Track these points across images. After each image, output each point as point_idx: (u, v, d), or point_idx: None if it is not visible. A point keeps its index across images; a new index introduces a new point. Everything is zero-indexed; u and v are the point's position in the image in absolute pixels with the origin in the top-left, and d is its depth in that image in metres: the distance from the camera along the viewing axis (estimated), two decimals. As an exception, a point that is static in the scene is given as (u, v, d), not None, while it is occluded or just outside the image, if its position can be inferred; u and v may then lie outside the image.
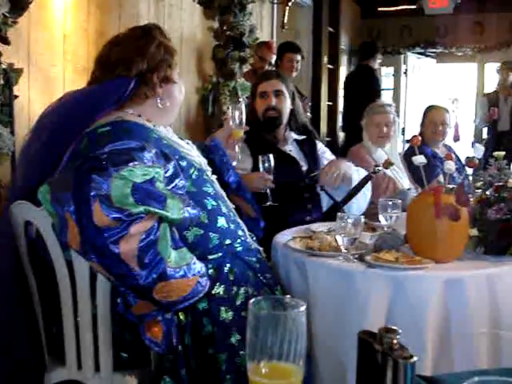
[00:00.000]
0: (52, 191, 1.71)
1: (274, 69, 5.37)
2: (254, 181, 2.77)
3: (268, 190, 2.78)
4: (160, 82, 1.98)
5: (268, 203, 2.78)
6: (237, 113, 2.53)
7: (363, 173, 3.03)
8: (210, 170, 2.13)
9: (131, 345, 1.95)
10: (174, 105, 2.06)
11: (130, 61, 1.94)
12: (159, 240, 1.70)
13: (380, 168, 3.08)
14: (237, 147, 2.55)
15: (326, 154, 3.24)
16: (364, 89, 6.92)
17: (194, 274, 1.80)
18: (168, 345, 1.82)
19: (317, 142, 3.27)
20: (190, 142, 2.16)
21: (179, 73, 2.08)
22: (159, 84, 1.98)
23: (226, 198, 2.12)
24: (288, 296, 0.93)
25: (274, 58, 5.44)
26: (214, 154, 2.28)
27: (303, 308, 0.90)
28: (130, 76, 1.93)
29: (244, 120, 2.54)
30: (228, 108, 5.13)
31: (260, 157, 2.76)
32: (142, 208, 1.65)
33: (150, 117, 1.98)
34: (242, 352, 1.86)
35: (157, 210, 1.69)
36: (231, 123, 2.51)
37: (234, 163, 2.47)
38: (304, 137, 3.21)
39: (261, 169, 2.75)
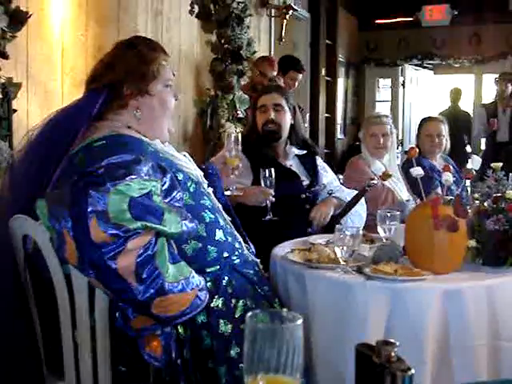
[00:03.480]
0: (49, 206, 1.71)
1: (274, 83, 5.38)
2: (255, 194, 2.77)
3: (268, 204, 2.78)
4: (131, 93, 1.94)
5: (268, 217, 2.78)
6: (232, 143, 2.55)
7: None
8: (207, 182, 2.13)
9: (130, 359, 1.94)
10: (155, 117, 2.00)
11: (100, 73, 1.94)
12: (157, 255, 1.69)
13: (375, 181, 3.11)
14: (233, 176, 2.56)
15: (325, 169, 3.26)
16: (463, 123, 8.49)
17: (193, 288, 1.78)
18: (167, 359, 1.81)
19: (316, 157, 3.29)
20: (186, 154, 2.16)
21: (170, 84, 2.02)
22: (133, 96, 1.94)
23: (223, 211, 2.12)
24: (285, 309, 0.93)
25: (274, 74, 5.45)
26: (208, 177, 2.26)
27: (300, 321, 0.90)
28: (99, 88, 1.92)
29: (240, 150, 2.55)
30: (227, 121, 5.17)
31: (261, 170, 2.76)
32: (139, 224, 1.64)
33: (136, 128, 1.95)
34: (241, 365, 1.85)
35: (154, 226, 1.68)
36: (226, 153, 2.53)
37: (228, 192, 2.47)
38: (305, 151, 3.21)
39: (262, 182, 2.75)
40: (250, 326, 0.90)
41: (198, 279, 1.82)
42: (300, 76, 5.82)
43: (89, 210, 1.62)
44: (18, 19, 3.25)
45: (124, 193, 1.65)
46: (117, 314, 1.81)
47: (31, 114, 3.54)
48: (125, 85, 1.93)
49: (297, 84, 5.83)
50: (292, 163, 3.15)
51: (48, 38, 3.69)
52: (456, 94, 8.90)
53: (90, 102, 1.92)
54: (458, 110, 8.83)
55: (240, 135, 2.59)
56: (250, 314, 0.91)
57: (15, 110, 3.32)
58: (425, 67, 11.02)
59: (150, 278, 1.67)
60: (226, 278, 1.98)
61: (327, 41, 8.65)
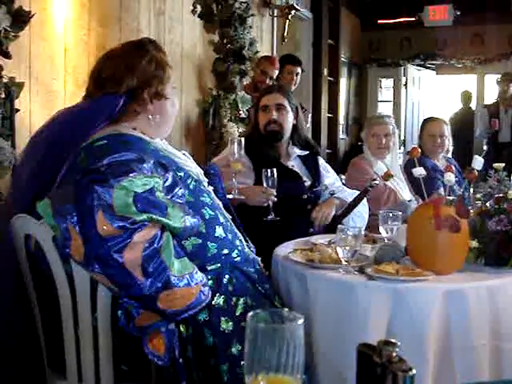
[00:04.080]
0: (53, 205, 1.71)
1: (276, 83, 5.36)
2: (257, 194, 2.77)
3: (270, 204, 2.78)
4: (150, 98, 1.97)
5: (269, 217, 2.78)
6: (236, 147, 2.56)
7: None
8: (207, 180, 2.14)
9: (132, 357, 1.94)
10: (166, 120, 2.05)
11: (119, 77, 1.93)
12: (162, 248, 1.71)
13: (377, 182, 3.10)
14: (234, 179, 2.56)
15: (327, 170, 3.26)
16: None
17: (197, 283, 1.80)
18: (170, 357, 1.82)
19: (318, 157, 3.28)
20: (186, 152, 2.17)
21: (175, 86, 2.07)
22: (150, 100, 1.97)
23: (223, 209, 2.13)
24: (286, 309, 0.93)
25: (276, 73, 5.42)
26: (208, 177, 2.27)
27: (301, 321, 0.90)
28: (119, 92, 1.92)
29: (243, 154, 2.57)
30: (229, 121, 5.17)
31: (263, 171, 2.76)
32: (145, 216, 1.67)
33: (144, 130, 1.99)
34: (243, 362, 1.85)
35: (160, 218, 1.70)
36: (229, 157, 2.55)
37: (230, 196, 2.48)
38: (307, 152, 3.21)
39: (264, 183, 2.75)
40: (251, 326, 0.90)
41: (200, 275, 1.84)
42: (298, 69, 5.71)
43: (95, 204, 1.64)
44: (21, 19, 3.25)
45: (128, 188, 1.68)
46: (119, 313, 1.82)
47: (33, 113, 3.54)
48: (146, 90, 1.96)
49: (296, 78, 5.71)
50: (294, 163, 3.14)
51: (51, 38, 3.70)
52: (467, 97, 9.35)
53: (106, 105, 1.93)
54: (470, 112, 9.25)
55: (243, 139, 2.61)
56: (250, 313, 0.91)
57: (18, 110, 3.33)
58: (427, 67, 11.01)
59: (156, 271, 1.69)
60: (227, 276, 1.99)
61: (330, 41, 8.64)
